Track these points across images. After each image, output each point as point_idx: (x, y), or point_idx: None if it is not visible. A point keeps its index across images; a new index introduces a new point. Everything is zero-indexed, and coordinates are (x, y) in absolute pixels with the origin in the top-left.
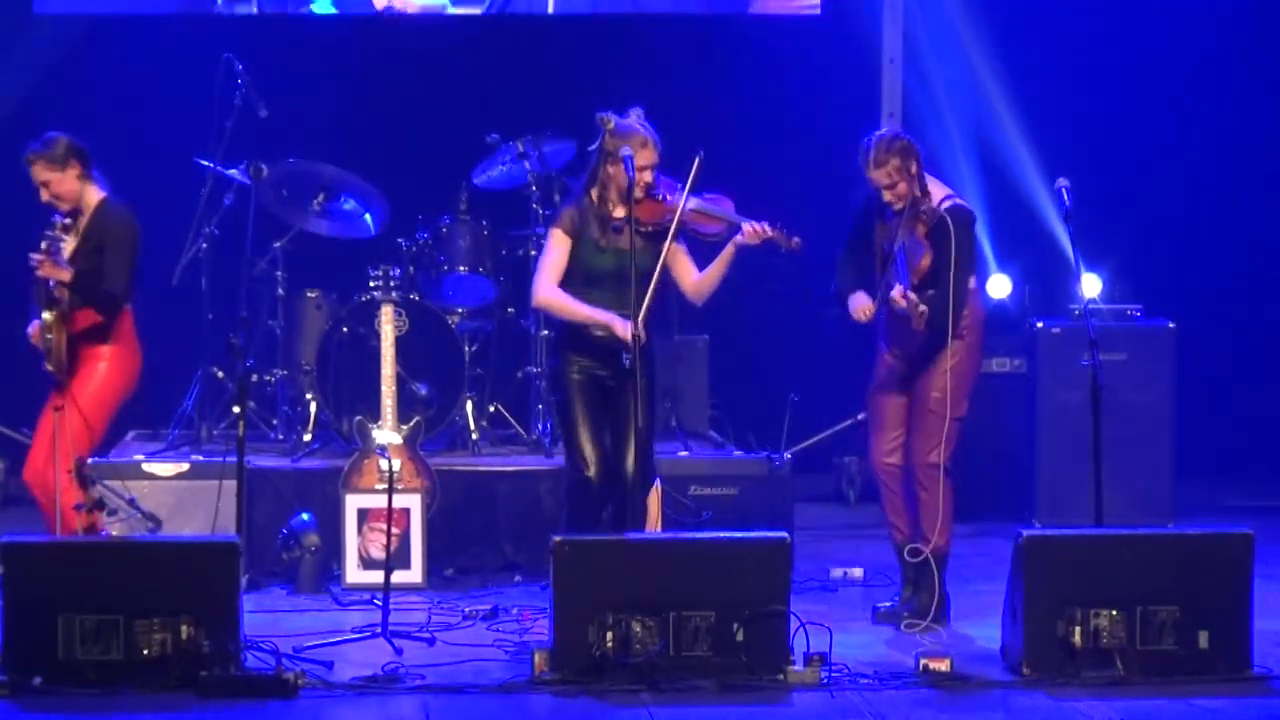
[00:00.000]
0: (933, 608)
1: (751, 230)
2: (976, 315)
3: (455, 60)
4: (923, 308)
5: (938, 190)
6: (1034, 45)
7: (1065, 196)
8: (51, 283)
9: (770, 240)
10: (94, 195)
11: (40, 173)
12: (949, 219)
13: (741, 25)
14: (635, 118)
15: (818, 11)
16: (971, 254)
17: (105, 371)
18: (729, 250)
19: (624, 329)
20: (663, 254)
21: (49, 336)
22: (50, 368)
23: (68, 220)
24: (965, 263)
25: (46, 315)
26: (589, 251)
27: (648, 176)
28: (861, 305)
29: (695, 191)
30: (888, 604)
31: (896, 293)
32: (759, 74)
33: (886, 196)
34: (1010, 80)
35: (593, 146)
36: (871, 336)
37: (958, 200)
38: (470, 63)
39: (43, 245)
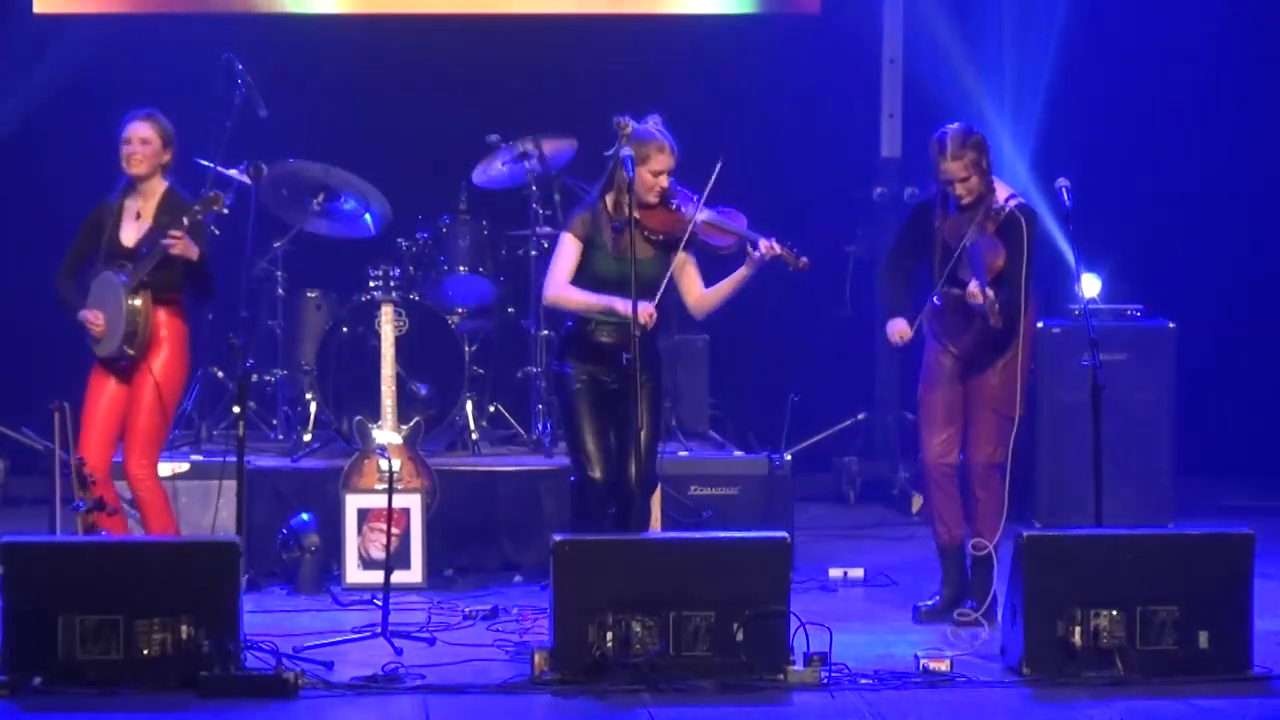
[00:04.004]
0: (986, 605)
1: (761, 247)
2: (1032, 314)
3: (455, 60)
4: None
5: (1002, 189)
6: (1033, 44)
7: (1065, 196)
8: (124, 275)
9: (778, 258)
10: (161, 183)
11: (148, 132)
12: (1021, 216)
13: (740, 25)
14: (653, 124)
15: (818, 11)
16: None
17: (170, 354)
18: (743, 271)
19: (627, 307)
20: (673, 263)
21: (138, 320)
22: (130, 351)
23: (216, 193)
24: (1033, 261)
25: (136, 300)
26: (600, 257)
27: (664, 182)
28: (899, 330)
29: (713, 203)
30: (929, 602)
31: (974, 289)
32: (758, 74)
33: (958, 190)
34: (1010, 79)
35: (609, 151)
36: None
37: (1023, 199)
38: (470, 63)
39: (185, 221)
